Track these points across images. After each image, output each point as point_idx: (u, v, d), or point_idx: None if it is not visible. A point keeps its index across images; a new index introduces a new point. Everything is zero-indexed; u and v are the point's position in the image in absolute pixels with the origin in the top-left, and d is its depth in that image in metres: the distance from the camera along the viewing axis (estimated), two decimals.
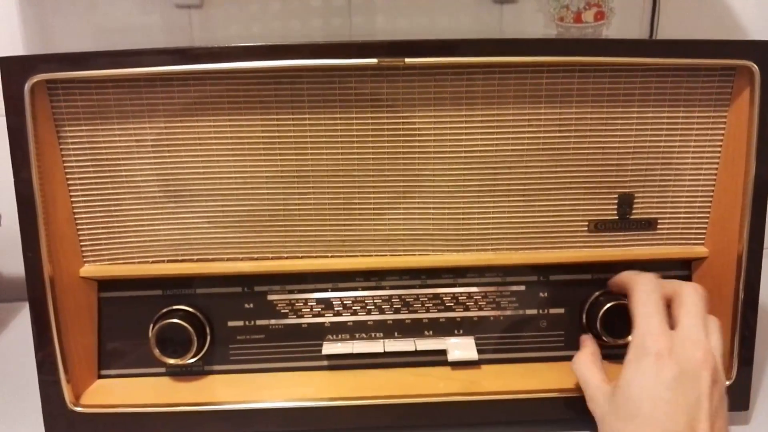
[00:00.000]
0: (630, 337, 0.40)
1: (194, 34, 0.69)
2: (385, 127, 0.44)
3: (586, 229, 0.46)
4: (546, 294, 0.48)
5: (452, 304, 0.47)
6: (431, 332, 0.48)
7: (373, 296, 0.47)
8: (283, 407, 0.45)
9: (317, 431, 0.46)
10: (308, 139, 0.44)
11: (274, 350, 0.47)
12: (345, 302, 0.47)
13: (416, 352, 0.47)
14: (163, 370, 0.47)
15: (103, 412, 0.45)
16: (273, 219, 0.45)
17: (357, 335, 0.47)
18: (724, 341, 0.40)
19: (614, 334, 0.45)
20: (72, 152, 0.43)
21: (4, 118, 0.41)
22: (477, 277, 0.47)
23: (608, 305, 0.45)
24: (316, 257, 0.46)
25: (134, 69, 0.41)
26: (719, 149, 0.45)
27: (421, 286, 0.47)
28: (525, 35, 0.67)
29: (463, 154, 0.44)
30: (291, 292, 0.47)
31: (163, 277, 0.46)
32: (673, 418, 0.36)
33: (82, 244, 0.45)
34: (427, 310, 0.47)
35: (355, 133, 0.44)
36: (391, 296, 0.47)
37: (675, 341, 0.37)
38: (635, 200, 0.46)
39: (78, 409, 0.45)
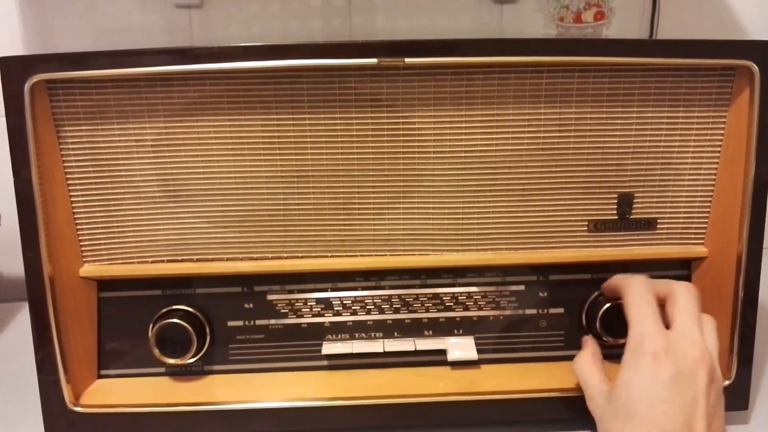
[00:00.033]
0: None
1: (194, 34, 0.69)
2: (385, 127, 0.44)
3: (585, 228, 0.46)
4: (545, 294, 0.48)
5: (452, 303, 0.47)
6: (431, 332, 0.48)
7: (372, 296, 0.47)
8: (283, 407, 0.45)
9: (317, 431, 0.46)
10: (308, 139, 0.44)
11: (274, 350, 0.47)
12: (345, 302, 0.47)
13: (416, 352, 0.47)
14: (162, 370, 0.47)
15: (102, 412, 0.45)
16: (273, 219, 0.45)
17: (357, 335, 0.47)
18: (721, 340, 0.40)
19: (613, 334, 0.45)
20: (72, 152, 0.43)
21: (4, 118, 0.41)
22: (476, 276, 0.47)
23: (607, 305, 0.45)
24: (315, 257, 0.46)
25: (134, 69, 0.41)
26: (719, 149, 0.45)
27: (420, 286, 0.47)
28: (525, 35, 0.67)
29: (462, 154, 0.44)
30: (291, 291, 0.47)
31: (163, 276, 0.46)
32: (671, 417, 0.36)
33: (81, 244, 0.45)
34: (427, 310, 0.47)
35: (354, 133, 0.44)
36: (390, 296, 0.47)
37: (671, 341, 0.38)
38: (635, 200, 0.46)
39: (78, 409, 0.45)
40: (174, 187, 0.44)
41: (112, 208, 0.45)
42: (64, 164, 0.44)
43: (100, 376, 0.47)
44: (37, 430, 0.45)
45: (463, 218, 0.46)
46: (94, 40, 0.68)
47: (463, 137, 0.44)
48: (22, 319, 0.66)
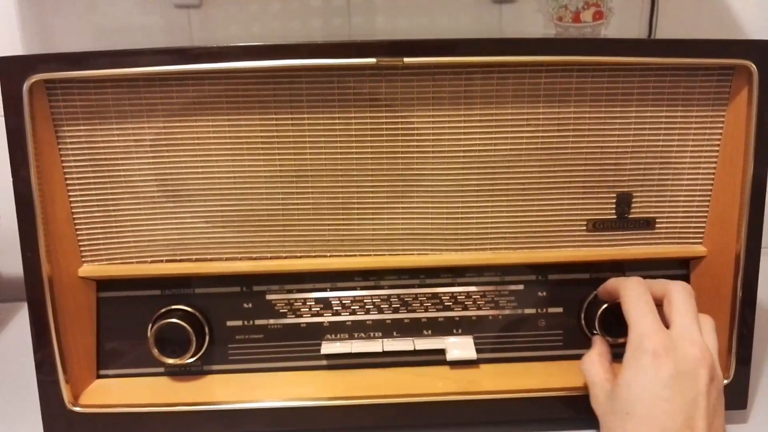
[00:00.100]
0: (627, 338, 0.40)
1: (193, 34, 0.69)
2: (384, 126, 0.44)
3: (584, 228, 0.46)
4: (544, 293, 0.48)
5: (451, 303, 0.47)
6: (430, 332, 0.48)
7: (371, 296, 0.47)
8: (282, 407, 0.45)
9: (316, 431, 0.46)
10: (307, 139, 0.44)
11: (273, 350, 0.47)
12: (344, 302, 0.47)
13: (415, 352, 0.47)
14: (161, 369, 0.47)
15: (102, 412, 0.45)
16: (271, 219, 0.45)
17: (356, 335, 0.47)
18: (720, 340, 0.40)
19: (612, 333, 0.45)
20: (70, 152, 0.43)
21: (3, 118, 0.41)
22: (475, 276, 0.47)
23: (606, 304, 0.45)
24: (314, 257, 0.46)
25: (133, 69, 0.41)
26: (717, 148, 0.45)
27: (419, 286, 0.47)
28: (524, 35, 0.68)
29: (461, 154, 0.44)
30: (290, 291, 0.47)
31: (162, 276, 0.46)
32: (672, 416, 0.36)
33: (80, 243, 0.45)
34: (426, 310, 0.47)
35: (353, 132, 0.44)
36: (389, 296, 0.47)
37: (671, 340, 0.38)
38: (633, 199, 0.46)
39: (77, 409, 0.45)
40: (173, 186, 0.44)
41: (111, 207, 0.45)
42: (63, 164, 0.44)
43: (99, 376, 0.47)
44: (36, 430, 0.45)
45: (461, 218, 0.46)
46: (94, 40, 0.68)
47: (462, 137, 0.44)
48: (21, 319, 0.66)
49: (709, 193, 0.46)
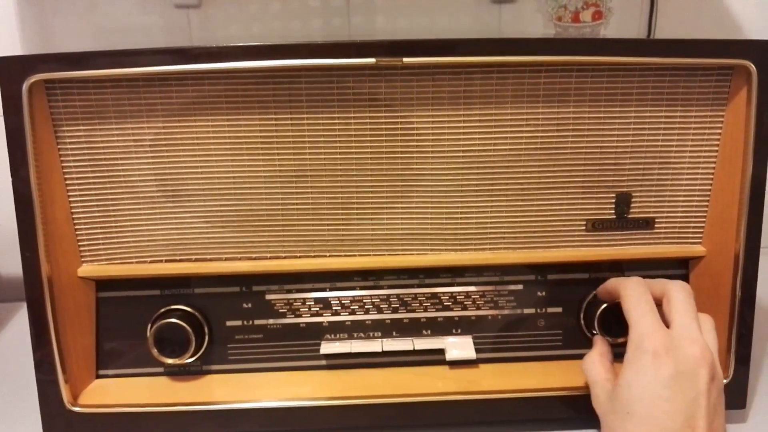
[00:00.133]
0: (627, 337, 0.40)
1: (193, 34, 0.69)
2: (383, 126, 0.44)
3: (583, 228, 0.46)
4: (544, 293, 0.48)
5: (450, 303, 0.47)
6: (429, 331, 0.48)
7: (371, 296, 0.47)
8: (282, 407, 0.45)
9: (315, 431, 0.46)
10: (306, 139, 0.44)
11: (273, 350, 0.47)
12: (343, 302, 0.47)
13: (414, 352, 0.47)
14: (161, 369, 0.47)
15: (101, 412, 0.45)
16: (271, 219, 0.45)
17: (355, 335, 0.47)
18: (719, 339, 0.40)
19: (611, 333, 0.45)
20: (70, 152, 0.43)
21: (2, 118, 0.41)
22: (475, 276, 0.47)
23: (606, 304, 0.45)
24: (314, 257, 0.46)
25: (132, 69, 0.41)
26: (716, 148, 0.45)
27: (419, 286, 0.47)
28: (523, 35, 0.68)
29: (460, 154, 0.44)
30: (289, 291, 0.47)
31: (161, 276, 0.46)
32: (672, 416, 0.36)
33: (80, 243, 0.45)
34: (425, 310, 0.47)
35: (353, 132, 0.44)
36: (389, 296, 0.47)
37: (671, 340, 0.38)
38: (633, 199, 0.46)
39: (76, 408, 0.45)
40: (172, 186, 0.44)
41: (111, 208, 0.45)
42: (63, 164, 0.44)
43: (98, 376, 0.47)
44: (35, 430, 0.45)
45: (461, 218, 0.46)
46: (94, 40, 0.68)
47: (461, 137, 0.44)
48: (20, 319, 0.66)
49: (709, 192, 0.46)
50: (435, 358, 0.47)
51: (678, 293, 0.40)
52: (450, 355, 0.46)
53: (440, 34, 0.69)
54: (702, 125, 0.45)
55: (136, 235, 0.45)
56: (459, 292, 0.47)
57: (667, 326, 0.39)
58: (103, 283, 0.46)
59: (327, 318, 0.47)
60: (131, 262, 0.46)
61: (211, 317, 0.47)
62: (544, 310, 0.48)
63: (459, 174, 0.45)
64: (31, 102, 0.41)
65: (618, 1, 0.70)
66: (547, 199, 0.45)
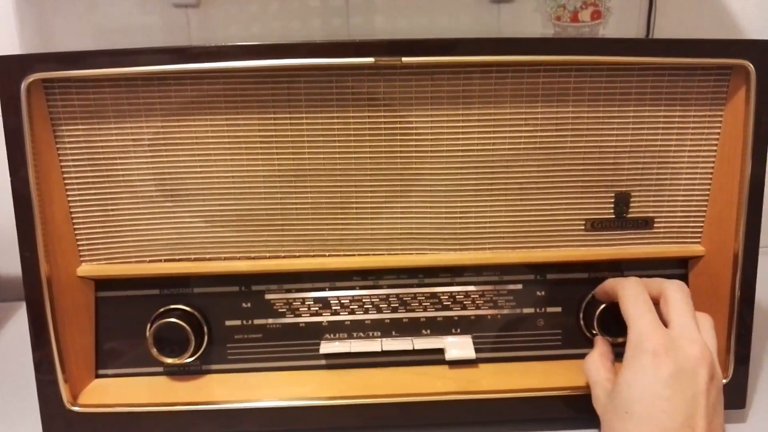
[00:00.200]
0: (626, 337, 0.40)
1: (192, 33, 0.69)
2: (382, 126, 0.44)
3: (582, 227, 0.46)
4: (543, 293, 0.48)
5: (450, 303, 0.47)
6: (429, 331, 0.48)
7: (370, 295, 0.47)
8: (281, 406, 0.45)
9: (315, 430, 0.46)
10: (305, 139, 0.44)
11: (272, 349, 0.47)
12: (342, 301, 0.47)
13: (414, 351, 0.47)
14: (160, 369, 0.47)
15: (100, 412, 0.45)
16: (270, 218, 0.45)
17: (354, 334, 0.47)
18: (718, 339, 0.41)
19: (611, 333, 0.45)
20: (69, 151, 0.43)
21: (1, 117, 0.41)
22: (474, 275, 0.47)
23: (605, 304, 0.45)
24: (313, 256, 0.46)
25: (131, 68, 0.41)
26: (715, 148, 0.45)
27: (418, 285, 0.47)
28: (522, 34, 0.68)
29: (460, 153, 0.44)
30: (288, 291, 0.47)
31: (161, 276, 0.46)
32: (671, 415, 0.36)
33: (79, 243, 0.45)
34: (425, 309, 0.47)
35: (352, 132, 0.44)
36: (388, 295, 0.47)
37: (670, 339, 0.38)
38: (632, 199, 0.46)
39: (76, 408, 0.45)
40: (171, 186, 0.44)
41: (110, 207, 0.45)
42: (61, 163, 0.44)
43: (97, 376, 0.47)
44: (35, 430, 0.45)
45: (460, 217, 0.46)
46: (93, 39, 0.68)
47: (460, 136, 0.44)
48: (19, 319, 0.65)
49: (708, 192, 0.46)
50: (434, 357, 0.47)
51: (675, 293, 0.40)
52: (449, 355, 0.46)
53: (439, 33, 0.69)
54: (701, 125, 0.45)
55: (135, 235, 0.45)
56: (458, 292, 0.47)
57: (665, 326, 0.39)
58: (102, 283, 0.46)
59: (326, 318, 0.47)
60: (130, 262, 0.46)
61: (210, 317, 0.47)
62: (543, 309, 0.48)
63: (458, 173, 0.45)
64: (29, 101, 0.41)
65: (617, 0, 0.70)
66: (546, 198, 0.45)
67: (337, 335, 0.47)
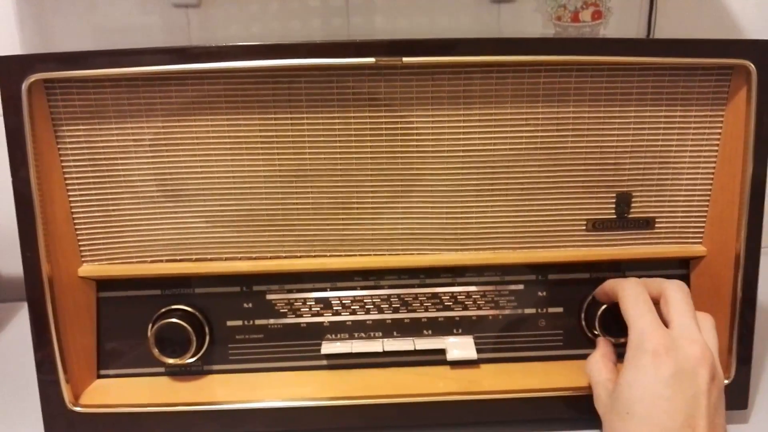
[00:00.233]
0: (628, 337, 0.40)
1: (192, 33, 0.69)
2: (383, 126, 0.44)
3: (584, 228, 0.46)
4: (544, 293, 0.48)
5: (451, 303, 0.47)
6: (430, 331, 0.48)
7: (371, 295, 0.47)
8: (282, 407, 0.45)
9: (316, 431, 0.46)
10: (306, 139, 0.44)
11: (273, 350, 0.47)
12: (344, 302, 0.47)
13: (415, 352, 0.47)
14: (162, 369, 0.47)
15: (102, 412, 0.45)
16: (271, 218, 0.45)
17: (356, 335, 0.47)
18: (720, 339, 0.40)
19: (612, 333, 0.45)
20: (70, 152, 0.43)
21: (2, 118, 0.41)
22: (475, 276, 0.47)
23: (606, 305, 0.45)
24: (314, 256, 0.46)
25: (132, 68, 0.41)
26: (716, 148, 0.45)
27: (419, 286, 0.47)
28: (523, 34, 0.68)
29: (460, 154, 0.44)
30: (290, 291, 0.47)
31: (162, 276, 0.46)
32: (672, 415, 0.36)
33: (80, 243, 0.45)
34: (426, 310, 0.47)
35: (353, 132, 0.44)
36: (389, 295, 0.47)
37: (671, 339, 0.38)
38: (633, 199, 0.46)
39: (77, 408, 0.45)
40: (172, 186, 0.44)
41: (111, 207, 0.45)
42: (62, 164, 0.44)
43: (99, 376, 0.47)
44: (36, 430, 0.45)
45: (461, 217, 0.46)
46: (93, 40, 0.68)
47: (461, 136, 0.44)
48: (21, 319, 0.66)
49: (709, 192, 0.46)
50: (436, 358, 0.47)
51: (675, 293, 0.40)
52: (451, 355, 0.46)
53: (439, 33, 0.69)
54: (702, 125, 0.45)
55: (137, 235, 0.45)
56: (460, 292, 0.47)
57: (666, 326, 0.39)
58: (103, 283, 0.46)
59: (328, 318, 0.47)
60: (132, 262, 0.46)
61: (211, 317, 0.47)
62: (544, 310, 0.48)
63: (459, 174, 0.45)
64: (30, 102, 0.41)
65: (617, 0, 0.70)
66: (547, 198, 0.45)
67: (339, 335, 0.47)
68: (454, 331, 0.48)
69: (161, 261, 0.46)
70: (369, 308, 0.47)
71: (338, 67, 0.42)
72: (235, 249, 0.46)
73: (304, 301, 0.47)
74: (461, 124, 0.44)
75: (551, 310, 0.48)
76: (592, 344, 0.46)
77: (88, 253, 0.46)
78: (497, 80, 0.43)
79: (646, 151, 0.45)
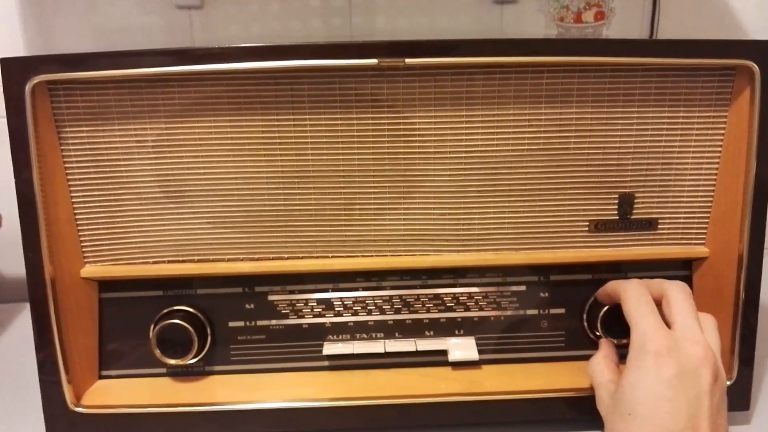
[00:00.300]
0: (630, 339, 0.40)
1: (195, 35, 0.69)
2: (386, 127, 0.44)
3: (586, 229, 0.46)
4: (546, 294, 0.48)
5: (453, 304, 0.47)
6: (432, 332, 0.48)
7: (373, 296, 0.47)
8: (284, 408, 0.45)
9: (318, 431, 0.46)
10: (309, 140, 0.44)
11: (275, 351, 0.47)
12: (346, 302, 0.47)
13: (417, 353, 0.47)
14: (163, 370, 0.47)
15: (104, 413, 0.45)
16: (274, 219, 0.45)
17: (358, 335, 0.47)
18: (722, 340, 0.40)
19: (614, 334, 0.45)
20: (73, 153, 0.43)
21: (5, 119, 0.41)
22: (477, 277, 0.47)
23: (608, 306, 0.45)
24: (316, 257, 0.46)
25: (135, 70, 0.41)
26: (719, 149, 0.45)
27: (421, 287, 0.47)
28: (525, 35, 0.68)
29: (463, 155, 0.44)
30: (292, 292, 0.47)
31: (164, 277, 0.46)
32: (674, 416, 0.36)
33: (82, 244, 0.45)
34: (428, 311, 0.47)
35: (355, 133, 0.44)
36: (391, 296, 0.47)
37: (674, 340, 0.37)
38: (636, 200, 0.46)
39: (79, 409, 0.45)
40: (175, 187, 0.44)
41: (113, 208, 0.45)
42: (65, 165, 0.44)
43: (101, 377, 0.47)
44: (38, 431, 0.45)
45: (463, 218, 0.46)
46: (95, 40, 0.68)
47: (464, 137, 0.44)
48: (23, 320, 0.66)
49: (712, 193, 0.46)
50: (438, 359, 0.47)
51: (677, 294, 0.40)
52: (453, 356, 0.46)
53: (441, 34, 0.69)
54: (705, 126, 0.45)
55: (139, 236, 0.45)
56: (461, 293, 0.47)
57: (668, 327, 0.39)
58: (105, 284, 0.46)
59: (330, 319, 0.47)
60: (134, 263, 0.46)
61: (213, 318, 0.47)
62: (546, 311, 0.48)
63: (461, 175, 0.45)
64: (33, 103, 0.41)
65: (620, 1, 0.70)
66: (549, 199, 0.45)
67: (340, 336, 0.47)
68: (456, 332, 0.48)
69: (163, 262, 0.46)
70: (371, 309, 0.47)
71: (341, 69, 0.42)
72: (238, 250, 0.46)
73: (306, 302, 0.47)
74: (464, 125, 0.44)
75: (553, 311, 0.48)
76: (594, 345, 0.46)
77: (90, 254, 0.46)
78: (500, 81, 0.43)
79: (649, 152, 0.45)
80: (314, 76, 0.42)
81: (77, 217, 0.45)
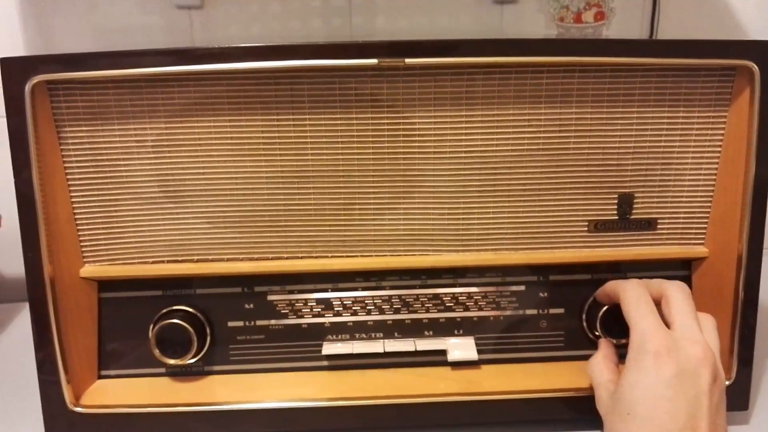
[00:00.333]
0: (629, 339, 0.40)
1: (195, 34, 0.69)
2: (386, 127, 0.44)
3: (586, 229, 0.46)
4: (546, 294, 0.48)
5: (452, 304, 0.47)
6: (431, 332, 0.48)
7: (373, 296, 0.47)
8: (283, 407, 0.45)
9: (317, 431, 0.46)
10: (308, 140, 0.44)
11: (274, 350, 0.47)
12: (345, 302, 0.47)
13: (416, 353, 0.47)
14: (163, 370, 0.47)
15: (103, 413, 0.45)
16: (273, 219, 0.45)
17: (357, 335, 0.47)
18: (722, 340, 0.40)
19: (614, 334, 0.45)
20: (72, 153, 0.43)
21: (5, 119, 0.41)
22: (477, 277, 0.47)
23: (607, 306, 0.45)
24: (316, 257, 0.46)
25: (134, 70, 0.41)
26: (719, 149, 0.45)
27: (421, 287, 0.47)
28: (525, 35, 0.67)
29: (463, 154, 0.44)
30: (291, 292, 0.47)
31: (163, 277, 0.46)
32: (673, 416, 0.36)
33: (82, 244, 0.45)
34: (427, 311, 0.47)
35: (355, 133, 0.44)
36: (391, 296, 0.47)
37: (673, 340, 0.38)
38: (635, 200, 0.46)
39: (78, 409, 0.45)
40: (174, 187, 0.44)
41: (113, 208, 0.45)
42: (65, 165, 0.44)
43: (100, 377, 0.47)
44: (37, 430, 0.45)
45: (463, 218, 0.46)
46: (94, 40, 0.68)
47: (464, 137, 0.44)
48: (22, 320, 0.66)
49: (711, 193, 0.46)
50: (437, 359, 0.47)
51: (677, 293, 0.40)
52: (452, 356, 0.46)
53: (441, 34, 0.69)
54: (705, 126, 0.45)
55: (138, 236, 0.45)
56: (461, 293, 0.47)
57: (667, 327, 0.39)
58: (105, 284, 0.46)
59: (329, 319, 0.47)
60: (133, 263, 0.46)
61: (213, 318, 0.47)
62: (546, 311, 0.48)
63: (461, 175, 0.45)
64: (33, 103, 0.41)
65: (620, 1, 0.70)
66: (549, 199, 0.45)
67: (340, 336, 0.47)
68: (455, 331, 0.48)
69: (163, 262, 0.46)
70: (370, 309, 0.47)
71: (341, 69, 0.42)
72: (237, 250, 0.46)
73: (306, 301, 0.47)
74: (463, 125, 0.44)
75: (552, 311, 0.48)
76: (593, 345, 0.46)
77: (89, 254, 0.46)
78: (500, 81, 0.43)
79: (649, 152, 0.45)
80: (314, 76, 0.42)
81: (77, 216, 0.45)
